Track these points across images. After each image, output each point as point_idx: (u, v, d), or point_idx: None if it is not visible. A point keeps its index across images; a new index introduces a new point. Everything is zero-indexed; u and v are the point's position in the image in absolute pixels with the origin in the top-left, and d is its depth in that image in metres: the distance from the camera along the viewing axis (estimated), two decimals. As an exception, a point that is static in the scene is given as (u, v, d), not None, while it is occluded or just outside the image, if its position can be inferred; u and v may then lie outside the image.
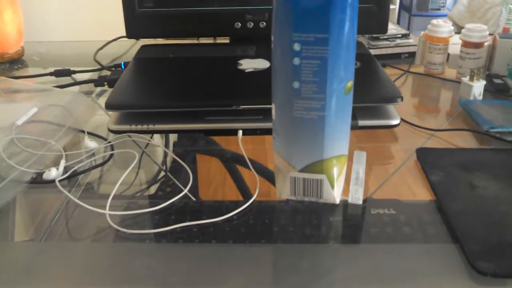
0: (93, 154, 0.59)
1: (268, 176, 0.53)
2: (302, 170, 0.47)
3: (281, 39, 0.43)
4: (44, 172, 0.54)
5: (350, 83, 0.44)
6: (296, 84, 0.43)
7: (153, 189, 0.54)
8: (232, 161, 0.58)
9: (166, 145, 0.63)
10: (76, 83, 0.80)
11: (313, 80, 0.43)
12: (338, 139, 0.46)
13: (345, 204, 0.49)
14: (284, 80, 0.44)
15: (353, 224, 0.47)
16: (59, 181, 0.52)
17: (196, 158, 0.59)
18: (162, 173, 0.57)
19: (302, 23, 0.41)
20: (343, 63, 0.43)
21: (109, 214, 0.47)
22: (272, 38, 0.44)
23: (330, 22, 0.41)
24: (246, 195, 0.51)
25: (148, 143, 0.62)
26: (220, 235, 0.45)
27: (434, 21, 0.80)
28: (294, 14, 0.41)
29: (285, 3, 0.41)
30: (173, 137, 0.64)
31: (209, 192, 0.53)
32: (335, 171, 0.47)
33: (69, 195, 0.50)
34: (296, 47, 0.42)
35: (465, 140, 0.61)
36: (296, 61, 0.42)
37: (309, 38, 0.41)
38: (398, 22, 3.16)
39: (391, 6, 2.55)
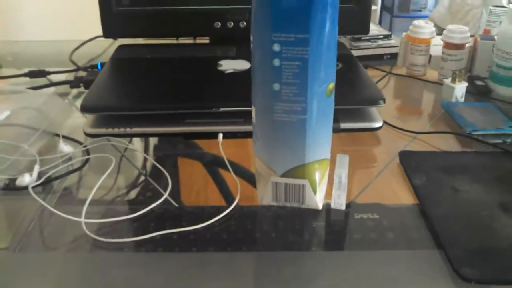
0: (70, 159, 0.57)
1: (251, 179, 0.52)
2: (284, 175, 0.46)
3: (260, 39, 0.41)
4: (17, 178, 0.52)
5: (331, 85, 0.43)
6: (276, 86, 0.42)
7: (132, 194, 0.52)
8: (214, 165, 0.56)
9: (146, 148, 0.61)
10: (51, 84, 0.77)
11: (293, 82, 0.42)
12: (320, 143, 0.45)
13: (328, 208, 0.48)
14: (264, 82, 0.43)
15: (336, 230, 0.46)
16: (33, 187, 0.50)
17: (177, 162, 0.57)
18: (142, 178, 0.56)
19: (282, 23, 0.40)
20: (324, 64, 0.42)
21: (85, 222, 0.45)
22: (252, 38, 0.42)
23: (311, 22, 0.40)
24: (229, 199, 0.50)
25: (126, 148, 0.60)
26: (201, 243, 0.44)
27: (416, 22, 0.79)
28: (273, 14, 0.40)
29: (263, 2, 0.40)
30: (153, 140, 0.63)
31: (191, 196, 0.51)
32: (317, 175, 0.46)
33: (43, 202, 0.48)
34: (276, 47, 0.41)
35: (447, 143, 0.60)
36: (276, 62, 0.41)
37: (289, 39, 0.40)
38: (380, 23, 3.16)
39: (373, 7, 2.55)
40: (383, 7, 3.31)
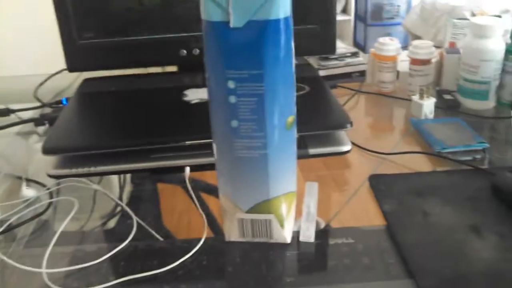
0: (35, 202, 0.55)
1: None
2: (249, 211, 0.45)
3: (215, 77, 0.41)
4: (-25, 228, 0.50)
5: (291, 118, 0.42)
6: (234, 123, 0.41)
7: (101, 235, 0.51)
8: (195, 190, 0.55)
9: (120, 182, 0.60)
10: (14, 123, 0.75)
11: (251, 118, 0.41)
12: (284, 176, 0.44)
13: (298, 240, 0.47)
14: (222, 119, 0.42)
15: (308, 258, 0.45)
16: (-8, 237, 0.49)
17: (157, 188, 0.57)
18: (108, 218, 0.54)
19: (234, 60, 0.39)
20: (282, 98, 0.41)
21: (46, 273, 0.44)
22: (207, 75, 0.41)
23: (264, 57, 0.39)
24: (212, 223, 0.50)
25: (95, 191, 0.58)
26: (173, 280, 0.43)
27: (381, 39, 0.79)
28: (225, 51, 0.39)
29: (215, 39, 0.39)
30: (122, 176, 0.61)
31: (173, 220, 0.52)
32: (283, 209, 0.45)
33: (1, 255, 0.46)
34: (231, 84, 0.40)
35: (418, 162, 0.60)
36: (232, 99, 0.40)
37: (243, 75, 0.39)
38: (355, 33, 3.18)
39: (347, 18, 2.57)
40: (357, 17, 3.34)
